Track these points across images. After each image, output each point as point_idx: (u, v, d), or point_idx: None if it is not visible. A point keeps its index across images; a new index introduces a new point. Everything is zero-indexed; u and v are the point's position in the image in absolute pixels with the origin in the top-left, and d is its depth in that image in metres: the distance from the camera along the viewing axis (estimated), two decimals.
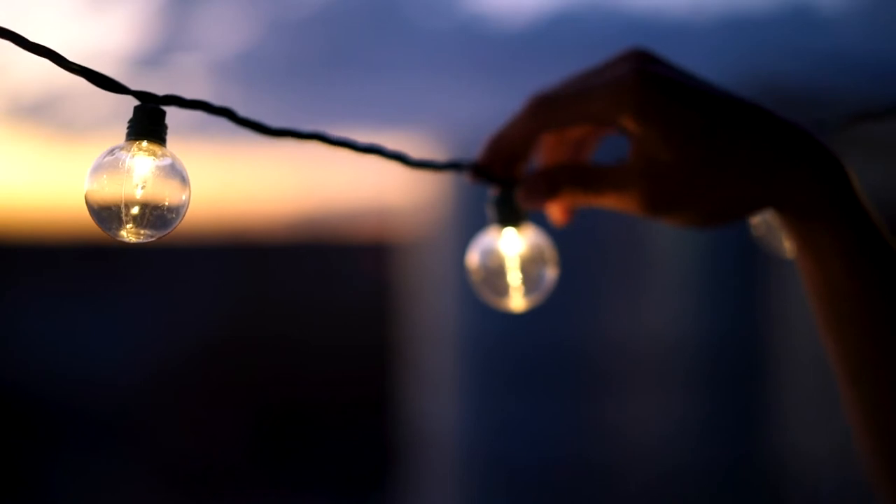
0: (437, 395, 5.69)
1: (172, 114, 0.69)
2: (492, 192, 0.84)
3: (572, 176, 0.80)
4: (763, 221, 0.88)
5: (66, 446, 6.63)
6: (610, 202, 0.79)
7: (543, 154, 0.85)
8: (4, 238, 7.38)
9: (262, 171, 6.89)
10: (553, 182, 0.80)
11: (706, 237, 5.23)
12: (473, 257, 0.84)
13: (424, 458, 5.65)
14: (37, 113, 7.14)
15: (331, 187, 7.35)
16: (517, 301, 0.83)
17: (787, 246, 0.86)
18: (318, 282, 7.34)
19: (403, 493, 5.95)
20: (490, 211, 0.83)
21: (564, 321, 4.62)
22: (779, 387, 4.95)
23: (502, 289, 0.83)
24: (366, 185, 7.23)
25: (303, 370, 7.14)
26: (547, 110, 0.79)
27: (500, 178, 0.83)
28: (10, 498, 6.46)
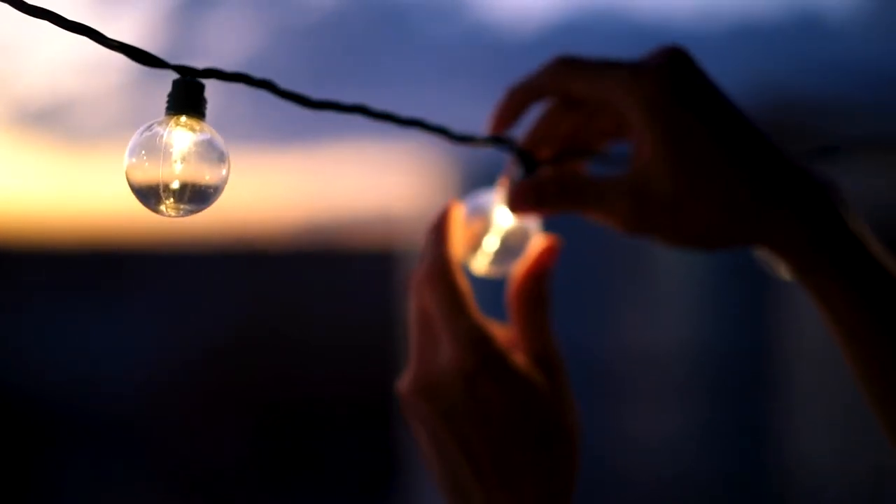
0: None
1: None
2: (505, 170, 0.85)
3: (560, 187, 0.79)
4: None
5: (72, 449, 6.64)
6: (594, 216, 0.79)
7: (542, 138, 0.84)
8: (13, 243, 7.39)
9: (268, 178, 6.90)
10: (541, 193, 0.80)
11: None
12: (465, 208, 0.85)
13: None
14: (44, 120, 7.15)
15: (336, 195, 7.36)
16: (480, 265, 0.85)
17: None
18: (324, 288, 7.36)
19: (407, 498, 5.96)
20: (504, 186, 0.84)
21: (572, 327, 4.61)
22: (785, 395, 4.95)
23: (474, 247, 0.84)
24: (371, 193, 7.23)
25: (308, 376, 7.15)
26: (567, 70, 0.78)
27: (522, 155, 0.83)
28: (18, 501, 6.48)
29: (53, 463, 6.57)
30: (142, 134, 0.67)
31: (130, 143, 0.67)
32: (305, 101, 0.72)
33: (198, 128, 0.67)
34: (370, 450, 6.74)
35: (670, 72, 0.74)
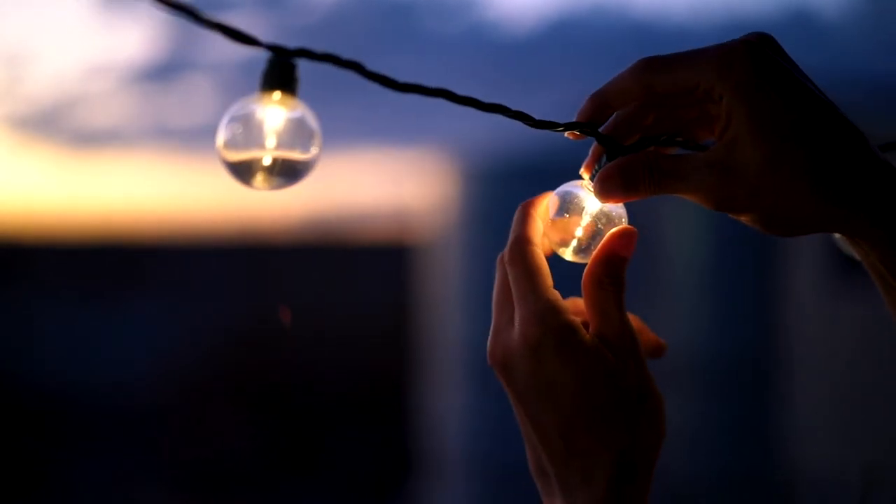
0: (454, 398, 5.70)
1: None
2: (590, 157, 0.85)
3: (649, 167, 0.79)
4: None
5: (82, 444, 6.65)
6: (683, 193, 0.79)
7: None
8: (24, 242, 7.40)
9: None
10: (630, 175, 0.79)
11: (719, 248, 5.26)
12: (553, 198, 0.85)
13: (440, 459, 5.66)
14: (52, 122, 7.17)
15: (347, 190, 7.38)
16: (571, 253, 0.85)
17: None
18: (335, 283, 7.37)
19: (419, 494, 5.96)
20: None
21: None
22: (785, 394, 4.96)
23: (565, 236, 0.85)
24: (382, 188, 7.25)
25: (318, 371, 7.15)
26: (651, 68, 0.79)
27: (604, 139, 0.83)
28: (31, 496, 6.48)
29: (66, 455, 6.58)
30: (236, 110, 0.68)
31: (224, 119, 0.68)
32: (392, 83, 0.73)
33: (291, 105, 0.68)
34: (382, 447, 6.75)
35: (759, 50, 0.76)
